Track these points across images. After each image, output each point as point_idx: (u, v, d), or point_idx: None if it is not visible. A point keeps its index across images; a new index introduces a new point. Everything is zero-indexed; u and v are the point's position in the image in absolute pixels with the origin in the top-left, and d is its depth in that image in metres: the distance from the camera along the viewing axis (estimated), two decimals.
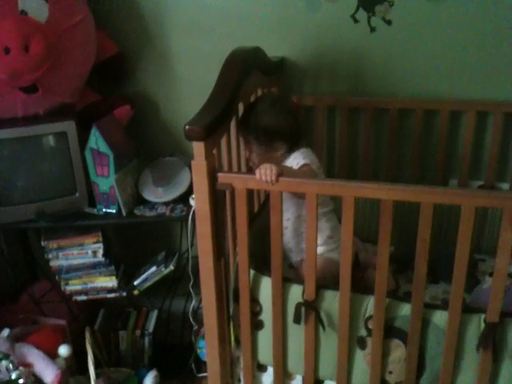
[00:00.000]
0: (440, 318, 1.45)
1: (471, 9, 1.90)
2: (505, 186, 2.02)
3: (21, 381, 1.70)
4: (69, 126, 1.86)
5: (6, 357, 1.73)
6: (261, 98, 1.82)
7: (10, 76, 1.68)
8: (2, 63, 1.65)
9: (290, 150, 1.74)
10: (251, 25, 2.05)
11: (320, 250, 1.66)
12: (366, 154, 2.11)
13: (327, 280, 1.60)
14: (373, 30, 1.98)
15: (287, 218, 1.76)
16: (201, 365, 2.13)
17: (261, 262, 1.61)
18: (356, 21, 1.98)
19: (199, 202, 1.45)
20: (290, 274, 1.77)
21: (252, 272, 1.56)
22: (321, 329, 1.52)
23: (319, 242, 1.65)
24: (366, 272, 1.79)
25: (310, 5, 1.98)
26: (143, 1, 2.08)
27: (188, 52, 2.13)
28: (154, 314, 2.23)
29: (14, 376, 1.70)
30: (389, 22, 1.96)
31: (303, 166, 1.67)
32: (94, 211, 1.98)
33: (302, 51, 2.06)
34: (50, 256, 2.05)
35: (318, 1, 1.97)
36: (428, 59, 1.99)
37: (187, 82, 2.17)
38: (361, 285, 1.68)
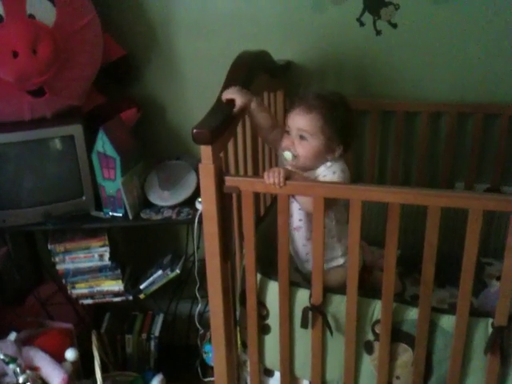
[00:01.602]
0: (447, 321, 1.44)
1: (477, 11, 1.90)
2: (511, 189, 2.01)
3: None
4: (76, 130, 1.86)
5: (14, 360, 1.73)
6: (338, 95, 1.64)
7: (18, 79, 1.68)
8: (10, 67, 1.65)
9: (333, 158, 1.59)
10: (257, 27, 2.05)
11: (342, 260, 1.66)
12: (372, 157, 2.11)
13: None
14: (378, 33, 1.98)
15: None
16: (207, 369, 2.12)
17: (267, 265, 1.61)
18: (362, 24, 1.98)
19: (206, 204, 1.45)
20: (297, 278, 1.77)
21: (259, 276, 1.56)
22: (328, 333, 1.51)
23: (341, 252, 1.66)
24: (372, 273, 1.79)
25: (316, 7, 1.98)
26: (150, 3, 2.09)
27: (194, 54, 2.13)
28: (160, 318, 2.23)
29: (21, 380, 1.70)
30: (394, 26, 1.96)
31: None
32: (101, 214, 1.99)
33: (307, 54, 2.06)
34: (57, 259, 2.05)
35: (324, 3, 1.97)
36: (434, 62, 1.99)
37: (193, 84, 2.17)
38: (367, 286, 1.68)
